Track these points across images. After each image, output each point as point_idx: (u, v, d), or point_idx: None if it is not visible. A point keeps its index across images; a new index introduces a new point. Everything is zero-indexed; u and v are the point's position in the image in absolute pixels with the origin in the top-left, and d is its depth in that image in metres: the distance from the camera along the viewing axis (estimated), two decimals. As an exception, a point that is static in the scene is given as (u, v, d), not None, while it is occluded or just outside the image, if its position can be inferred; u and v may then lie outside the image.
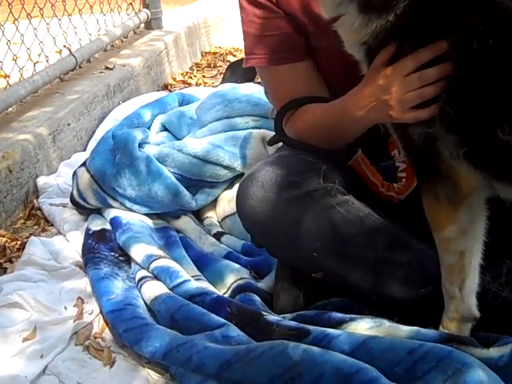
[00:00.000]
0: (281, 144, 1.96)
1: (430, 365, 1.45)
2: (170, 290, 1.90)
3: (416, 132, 1.48)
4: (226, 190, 2.39)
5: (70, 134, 2.91)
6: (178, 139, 2.59)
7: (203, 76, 4.30)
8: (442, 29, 1.40)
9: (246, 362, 1.54)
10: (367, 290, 1.71)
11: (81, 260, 2.13)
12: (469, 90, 1.39)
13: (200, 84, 4.08)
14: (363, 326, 1.64)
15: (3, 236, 2.28)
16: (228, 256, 2.12)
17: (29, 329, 1.79)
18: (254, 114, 2.54)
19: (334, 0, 1.48)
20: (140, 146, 2.39)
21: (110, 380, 1.67)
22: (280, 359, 1.52)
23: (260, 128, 2.48)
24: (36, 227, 2.42)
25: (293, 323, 1.67)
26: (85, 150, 2.95)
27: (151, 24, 4.54)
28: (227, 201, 2.33)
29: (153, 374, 1.67)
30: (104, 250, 2.13)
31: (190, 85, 4.03)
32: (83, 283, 2.02)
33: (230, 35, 5.38)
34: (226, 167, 2.34)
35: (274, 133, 1.94)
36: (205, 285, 1.95)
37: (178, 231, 2.29)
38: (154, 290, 1.90)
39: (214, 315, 1.74)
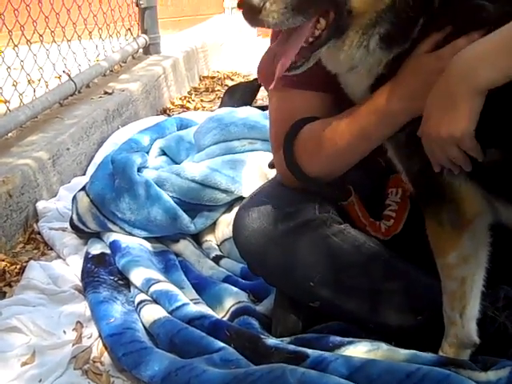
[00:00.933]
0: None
1: (427, 388, 1.45)
2: (168, 313, 1.90)
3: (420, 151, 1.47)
4: (224, 213, 2.40)
5: (70, 158, 2.92)
6: (176, 163, 2.61)
7: (201, 100, 4.33)
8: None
9: (245, 386, 1.54)
10: (364, 318, 1.72)
11: (80, 284, 2.13)
12: None
13: (198, 108, 4.10)
14: (361, 350, 1.64)
15: (3, 260, 2.29)
16: (227, 279, 2.13)
17: (28, 353, 1.80)
18: (251, 136, 2.56)
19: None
20: (139, 170, 2.41)
21: (109, 404, 1.67)
22: (278, 383, 1.52)
23: (257, 150, 2.50)
24: (35, 251, 2.43)
25: (291, 347, 1.67)
26: (84, 174, 2.97)
27: (149, 49, 4.57)
28: (226, 224, 2.34)
29: (151, 398, 1.67)
30: (103, 274, 2.13)
31: (188, 109, 4.06)
32: (82, 307, 2.03)
33: (227, 59, 5.43)
34: (224, 191, 2.36)
35: (270, 154, 1.91)
36: (203, 308, 1.96)
37: (177, 255, 2.30)
38: (152, 313, 1.90)
39: (212, 339, 1.75)
